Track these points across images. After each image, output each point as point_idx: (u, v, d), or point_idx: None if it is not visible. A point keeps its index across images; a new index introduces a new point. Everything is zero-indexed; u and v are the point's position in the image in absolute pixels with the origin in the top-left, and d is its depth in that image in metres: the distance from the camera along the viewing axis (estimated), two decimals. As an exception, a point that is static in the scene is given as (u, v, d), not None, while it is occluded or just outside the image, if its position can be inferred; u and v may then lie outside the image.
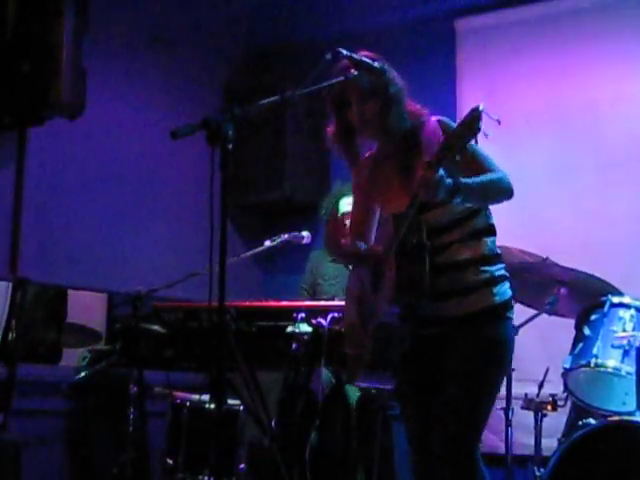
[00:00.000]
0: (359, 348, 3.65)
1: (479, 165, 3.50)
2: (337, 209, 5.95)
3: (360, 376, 3.69)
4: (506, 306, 3.58)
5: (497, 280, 3.57)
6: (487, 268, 3.55)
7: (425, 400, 3.64)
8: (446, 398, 3.53)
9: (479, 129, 3.20)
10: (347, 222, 5.85)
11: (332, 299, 5.04)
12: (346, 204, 5.93)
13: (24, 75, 5.34)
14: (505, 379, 4.87)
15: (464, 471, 3.48)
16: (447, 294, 3.52)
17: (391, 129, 3.64)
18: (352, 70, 3.59)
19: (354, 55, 3.61)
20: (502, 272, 3.61)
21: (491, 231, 3.64)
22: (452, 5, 6.97)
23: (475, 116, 3.20)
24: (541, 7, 6.59)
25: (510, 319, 3.59)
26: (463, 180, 3.37)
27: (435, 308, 3.52)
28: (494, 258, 3.60)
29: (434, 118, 3.64)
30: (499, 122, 3.29)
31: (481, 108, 3.21)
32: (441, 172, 3.28)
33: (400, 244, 3.49)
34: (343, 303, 4.67)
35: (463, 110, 6.82)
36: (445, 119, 3.63)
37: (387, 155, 3.74)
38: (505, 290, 3.59)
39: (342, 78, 3.59)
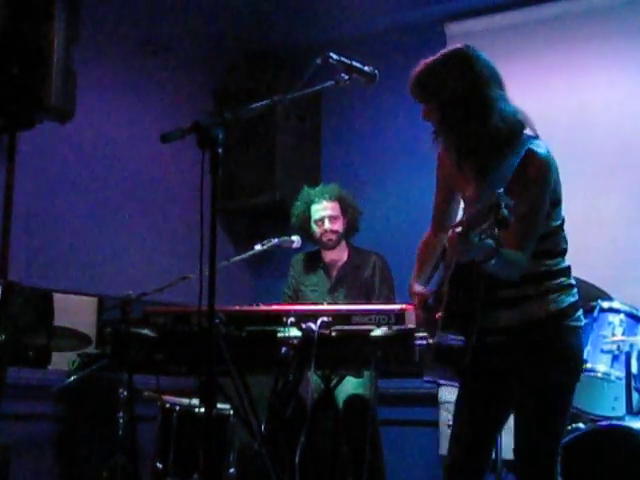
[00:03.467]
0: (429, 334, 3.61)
1: (512, 230, 3.24)
2: (309, 216, 5.96)
3: (425, 370, 3.62)
4: (563, 314, 3.46)
5: (554, 289, 3.47)
6: (544, 282, 3.47)
7: (481, 412, 3.59)
8: (515, 414, 3.51)
9: (498, 220, 3.02)
10: (317, 229, 5.91)
11: (320, 304, 5.05)
12: (316, 211, 5.94)
13: (14, 78, 5.33)
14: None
15: None
16: (503, 303, 3.47)
17: (460, 133, 3.47)
18: (343, 74, 3.59)
19: (344, 59, 3.60)
20: (563, 283, 3.50)
21: (560, 254, 3.54)
22: (442, 10, 6.98)
23: (492, 205, 3.04)
24: (531, 12, 6.60)
25: (570, 327, 3.47)
26: (503, 249, 3.25)
27: (493, 317, 3.48)
28: (554, 274, 3.50)
29: (532, 150, 3.42)
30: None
31: (496, 197, 3.04)
32: (474, 238, 3.14)
33: (455, 271, 3.41)
34: (332, 308, 4.69)
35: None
36: (540, 156, 3.39)
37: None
38: (562, 299, 3.47)
39: (332, 82, 3.59)
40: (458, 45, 3.60)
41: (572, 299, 3.51)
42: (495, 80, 3.53)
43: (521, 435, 3.47)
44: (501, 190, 3.07)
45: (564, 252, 3.57)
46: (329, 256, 6.01)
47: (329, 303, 5.36)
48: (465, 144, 3.49)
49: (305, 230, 5.99)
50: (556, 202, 3.53)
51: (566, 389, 3.50)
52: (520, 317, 3.47)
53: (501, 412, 3.61)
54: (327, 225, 5.90)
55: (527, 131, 3.53)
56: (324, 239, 5.93)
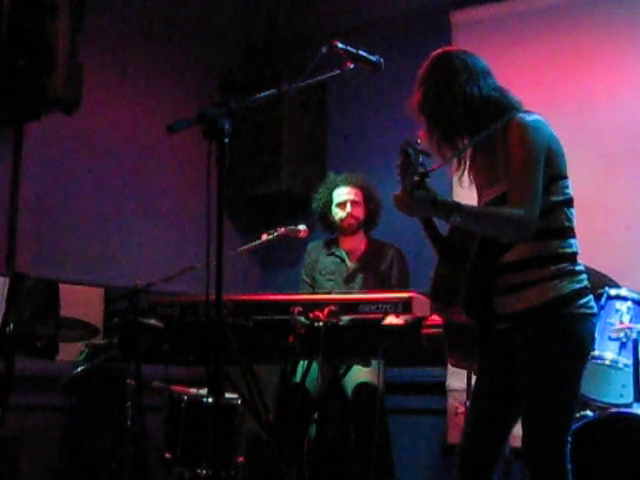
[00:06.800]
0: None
1: (510, 186, 3.42)
2: (331, 200, 5.94)
3: (447, 355, 3.62)
4: (563, 301, 3.41)
5: (555, 275, 3.42)
6: (547, 266, 3.43)
7: (494, 402, 3.58)
8: (522, 400, 3.48)
9: (411, 164, 3.25)
10: (338, 212, 5.89)
11: (329, 293, 5.04)
12: (338, 195, 5.93)
13: (20, 70, 5.33)
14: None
15: (549, 473, 3.42)
16: (508, 289, 3.46)
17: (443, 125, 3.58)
18: (349, 63, 3.59)
19: (350, 48, 3.60)
20: (565, 268, 3.45)
21: (562, 233, 3.49)
22: (448, -3, 6.98)
23: (401, 153, 3.27)
24: (536, -1, 6.60)
25: (573, 314, 3.41)
26: (463, 204, 3.33)
27: (500, 303, 3.48)
28: (558, 258, 3.45)
29: (513, 117, 3.51)
30: (428, 155, 3.38)
31: (404, 146, 3.27)
32: (420, 193, 3.27)
33: (446, 240, 3.47)
34: (339, 297, 4.70)
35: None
36: (520, 120, 3.48)
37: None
38: (563, 285, 3.42)
39: (338, 71, 3.58)
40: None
41: (576, 285, 3.45)
42: (466, 69, 3.77)
43: (528, 423, 3.46)
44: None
45: (568, 231, 3.52)
46: (347, 244, 5.98)
47: (343, 293, 5.34)
48: (448, 131, 3.56)
49: (325, 215, 5.97)
50: (554, 177, 3.49)
51: (569, 376, 3.45)
52: (521, 304, 3.45)
53: (515, 400, 3.59)
54: (348, 208, 5.86)
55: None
56: (344, 224, 5.89)
